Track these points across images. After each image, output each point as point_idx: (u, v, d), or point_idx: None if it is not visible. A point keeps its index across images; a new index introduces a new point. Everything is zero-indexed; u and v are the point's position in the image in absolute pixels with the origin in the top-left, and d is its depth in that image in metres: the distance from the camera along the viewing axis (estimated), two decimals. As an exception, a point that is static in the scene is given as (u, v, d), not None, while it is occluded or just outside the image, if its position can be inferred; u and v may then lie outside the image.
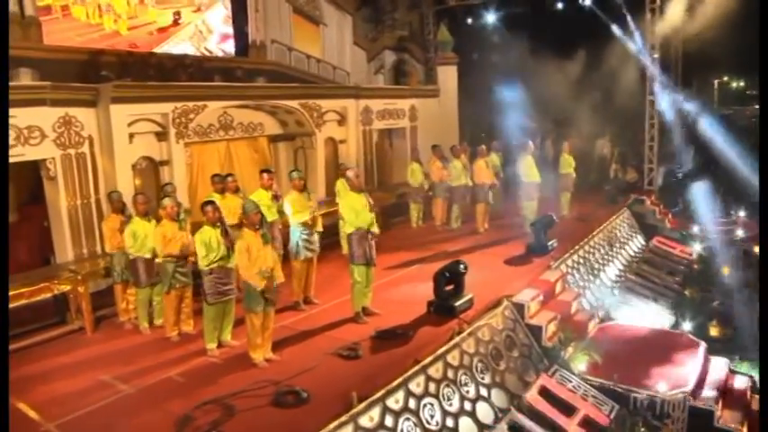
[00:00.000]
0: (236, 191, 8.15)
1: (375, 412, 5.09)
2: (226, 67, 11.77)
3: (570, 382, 6.71)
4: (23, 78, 8.32)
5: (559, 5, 14.84)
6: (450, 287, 7.07)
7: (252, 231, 5.71)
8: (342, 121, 12.31)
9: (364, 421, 4.97)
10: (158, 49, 11.04)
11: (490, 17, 15.73)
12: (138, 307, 7.00)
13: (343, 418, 4.82)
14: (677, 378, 6.60)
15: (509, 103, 14.36)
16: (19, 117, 7.14)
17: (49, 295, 6.59)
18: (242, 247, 5.65)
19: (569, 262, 8.91)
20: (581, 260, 9.26)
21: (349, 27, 15.10)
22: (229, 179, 8.11)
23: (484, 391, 6.19)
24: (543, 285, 7.92)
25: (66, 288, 6.60)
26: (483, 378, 6.30)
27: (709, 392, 6.54)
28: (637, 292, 9.12)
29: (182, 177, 9.07)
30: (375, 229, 6.85)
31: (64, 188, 7.64)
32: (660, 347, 7.31)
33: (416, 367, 5.73)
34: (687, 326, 8.18)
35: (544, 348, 7.20)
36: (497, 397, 6.28)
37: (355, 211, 6.70)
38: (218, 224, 6.05)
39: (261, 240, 5.67)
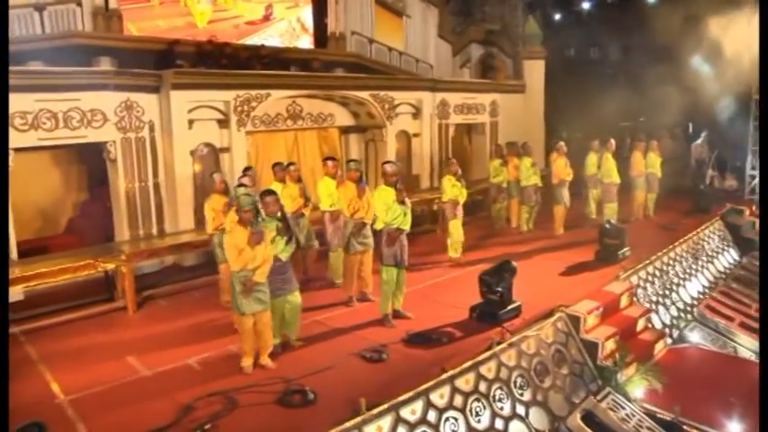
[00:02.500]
0: (299, 180, 8.02)
1: (385, 422, 4.66)
2: (303, 58, 11.77)
3: (623, 409, 5.92)
4: (103, 66, 8.76)
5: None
6: (496, 292, 6.51)
7: (242, 228, 5.27)
8: (416, 114, 11.92)
9: (371, 430, 4.58)
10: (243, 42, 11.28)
11: (584, 10, 14.67)
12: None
13: (346, 425, 4.45)
14: (756, 419, 5.60)
15: (603, 101, 13.31)
16: (83, 100, 7.46)
17: (94, 272, 6.79)
18: (230, 242, 5.25)
19: (642, 273, 7.95)
20: (657, 272, 8.24)
21: (434, 19, 14.68)
22: (291, 168, 7.98)
23: (521, 410, 5.57)
24: (605, 297, 7.08)
25: (108, 266, 6.77)
26: (522, 395, 5.67)
27: (797, 440, 5.49)
28: (721, 314, 7.97)
29: (242, 165, 9.10)
30: (406, 227, 6.41)
31: (123, 170, 7.90)
32: (739, 380, 6.28)
33: (442, 376, 5.26)
34: (779, 357, 7.00)
35: (599, 368, 6.42)
36: (536, 417, 5.64)
37: (386, 206, 6.30)
38: (279, 216, 5.63)
39: (249, 238, 5.19)
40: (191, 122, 8.44)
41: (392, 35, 13.91)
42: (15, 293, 7.01)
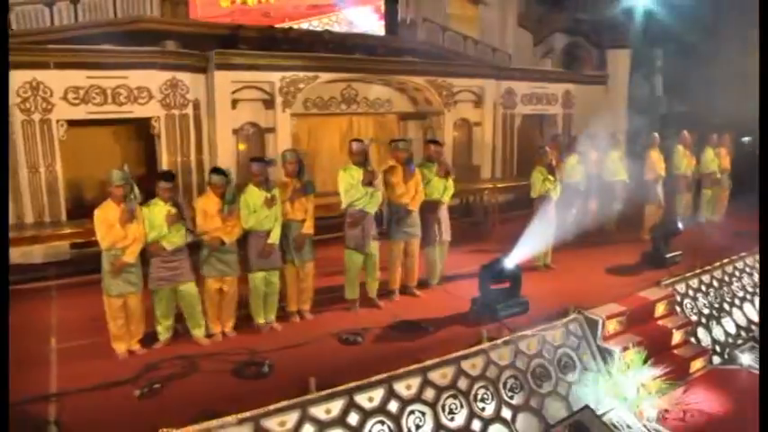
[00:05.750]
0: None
1: (335, 405, 4.49)
2: (370, 44, 11.71)
3: (629, 428, 5.30)
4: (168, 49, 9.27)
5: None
6: (501, 285, 6.10)
7: (114, 204, 5.03)
8: (478, 102, 11.47)
9: (317, 411, 4.42)
10: (304, 26, 11.45)
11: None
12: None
13: (288, 402, 4.35)
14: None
15: (695, 95, 12.05)
16: (130, 78, 7.94)
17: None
18: (100, 217, 5.01)
19: (694, 282, 7.06)
20: (716, 283, 7.28)
21: (513, 7, 14.04)
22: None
23: (507, 413, 5.15)
24: (636, 303, 6.39)
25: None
26: (511, 398, 5.25)
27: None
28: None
29: (286, 146, 9.24)
30: (370, 209, 6.10)
31: (165, 145, 8.33)
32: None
33: (412, 366, 4.99)
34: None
35: (615, 380, 5.79)
36: (526, 424, 5.19)
37: (348, 186, 5.99)
38: (171, 202, 5.26)
39: (120, 215, 4.97)
40: (235, 102, 8.71)
41: (467, 23, 13.51)
42: (63, 253, 7.71)
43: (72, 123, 7.71)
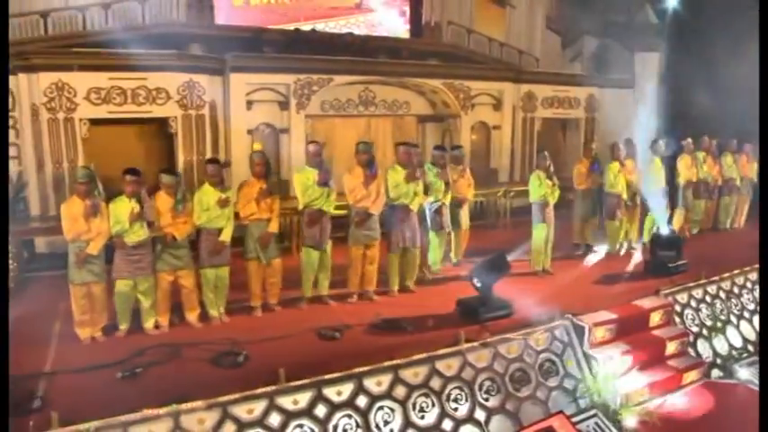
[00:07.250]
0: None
1: (303, 396, 4.67)
2: (393, 47, 11.80)
3: (605, 435, 5.26)
4: (193, 52, 9.66)
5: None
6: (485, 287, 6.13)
7: (79, 199, 5.31)
8: (497, 105, 11.45)
9: (285, 402, 4.60)
10: (324, 28, 11.59)
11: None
12: None
13: (256, 391, 4.56)
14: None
15: (727, 99, 11.63)
16: (149, 79, 8.35)
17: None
18: (66, 212, 5.29)
19: (698, 292, 6.89)
20: (723, 294, 7.08)
21: (542, 9, 13.86)
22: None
23: (481, 415, 5.20)
24: (629, 311, 6.30)
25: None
26: (487, 400, 5.30)
27: None
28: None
29: (300, 146, 9.51)
30: (327, 208, 6.21)
31: (182, 144, 8.70)
32: None
33: (384, 363, 5.11)
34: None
35: (596, 387, 5.75)
36: (500, 427, 5.22)
37: (304, 187, 6.10)
38: (136, 198, 5.47)
39: (84, 210, 5.24)
40: (250, 103, 9.04)
41: (493, 25, 13.41)
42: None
43: (94, 122, 8.18)
